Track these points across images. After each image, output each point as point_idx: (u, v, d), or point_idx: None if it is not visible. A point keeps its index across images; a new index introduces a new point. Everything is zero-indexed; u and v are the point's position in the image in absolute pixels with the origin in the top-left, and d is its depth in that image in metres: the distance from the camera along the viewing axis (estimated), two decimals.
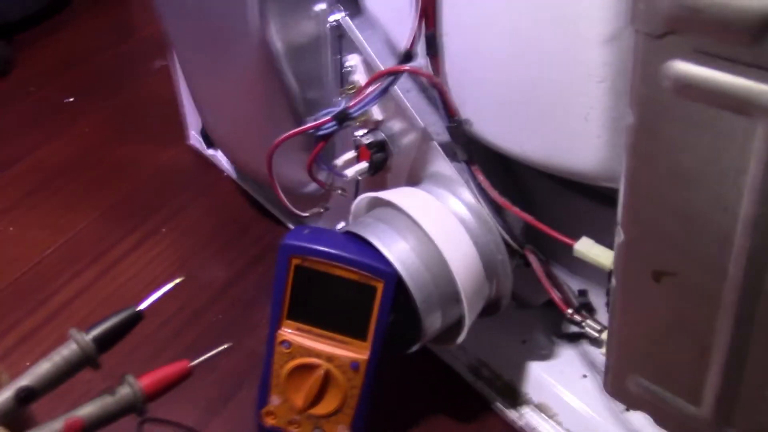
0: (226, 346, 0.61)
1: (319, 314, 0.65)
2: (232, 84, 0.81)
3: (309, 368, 0.65)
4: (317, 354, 0.65)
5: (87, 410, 0.55)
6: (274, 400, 0.67)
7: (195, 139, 1.10)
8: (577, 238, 0.59)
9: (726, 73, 0.36)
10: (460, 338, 0.66)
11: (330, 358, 0.65)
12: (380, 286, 0.62)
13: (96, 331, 0.56)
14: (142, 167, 1.11)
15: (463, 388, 0.78)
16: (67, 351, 0.55)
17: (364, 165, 0.70)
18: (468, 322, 0.65)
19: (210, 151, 1.07)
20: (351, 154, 0.71)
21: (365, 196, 0.68)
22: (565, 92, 0.52)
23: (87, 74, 1.33)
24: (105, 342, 0.56)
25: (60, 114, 1.23)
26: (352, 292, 0.63)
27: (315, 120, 0.64)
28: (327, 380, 0.65)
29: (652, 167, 0.42)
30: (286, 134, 0.64)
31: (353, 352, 0.64)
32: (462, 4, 0.56)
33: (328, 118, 0.63)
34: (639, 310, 0.48)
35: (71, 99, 1.26)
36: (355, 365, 0.65)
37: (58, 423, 0.54)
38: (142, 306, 0.58)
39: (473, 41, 0.57)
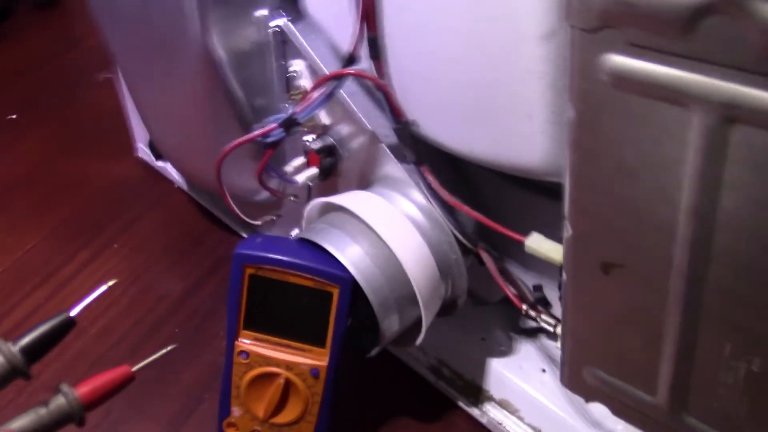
0: (170, 348, 0.58)
1: (276, 322, 0.64)
2: (176, 94, 0.80)
3: (269, 377, 0.64)
4: (276, 363, 0.64)
5: (18, 424, 0.53)
6: (236, 412, 0.67)
7: (143, 151, 1.09)
8: (527, 232, 0.59)
9: (660, 65, 0.36)
10: (419, 339, 0.66)
11: (289, 366, 0.64)
12: (336, 292, 0.62)
13: (24, 341, 0.53)
14: (91, 182, 1.09)
15: (425, 389, 0.78)
16: None
17: (314, 170, 0.69)
18: (426, 323, 0.64)
19: (159, 163, 1.06)
20: (301, 159, 0.70)
21: (317, 202, 0.68)
22: (508, 90, 0.52)
23: (30, 88, 1.30)
24: (35, 351, 0.54)
25: (3, 131, 1.20)
26: (308, 299, 0.63)
27: (262, 127, 0.63)
28: (287, 389, 0.65)
29: (595, 161, 0.42)
30: (233, 143, 0.63)
31: (312, 359, 0.64)
32: (401, 5, 0.56)
33: (275, 125, 0.62)
34: (590, 302, 0.48)
35: (14, 116, 1.23)
36: (315, 372, 0.64)
37: None
38: (74, 312, 0.55)
39: (414, 42, 0.57)
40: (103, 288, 0.57)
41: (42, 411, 0.51)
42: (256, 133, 0.62)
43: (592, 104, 0.40)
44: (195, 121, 0.81)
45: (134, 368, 0.55)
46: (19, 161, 1.14)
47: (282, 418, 0.65)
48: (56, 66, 1.36)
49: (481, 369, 0.75)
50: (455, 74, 0.55)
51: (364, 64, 0.61)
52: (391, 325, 0.64)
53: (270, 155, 0.64)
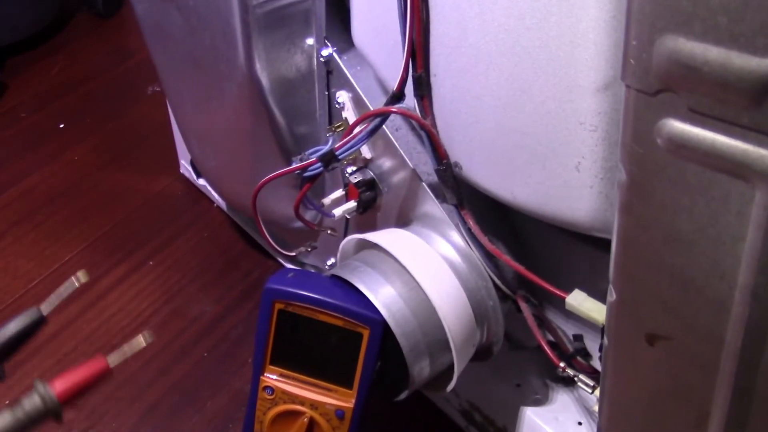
0: (146, 342, 0.53)
1: (304, 360, 0.63)
2: (217, 118, 0.79)
3: (292, 415, 0.63)
4: (301, 401, 0.62)
5: None
6: None
7: (185, 168, 1.09)
8: (572, 282, 0.57)
9: (723, 136, 0.34)
10: (450, 386, 0.64)
11: (314, 405, 0.62)
12: (366, 333, 0.60)
13: None
14: (132, 197, 1.09)
15: None
16: None
17: (352, 204, 0.68)
18: (458, 370, 0.62)
19: (201, 181, 1.06)
20: (339, 192, 0.69)
21: (352, 238, 0.66)
22: (556, 139, 0.50)
23: (80, 99, 1.32)
24: (4, 349, 0.52)
25: (50, 141, 1.21)
26: (337, 339, 0.61)
27: (301, 160, 0.62)
28: (311, 428, 0.63)
29: (645, 227, 0.39)
30: (271, 175, 0.62)
31: (338, 400, 0.62)
32: (452, 45, 0.54)
33: (313, 159, 0.61)
34: (632, 372, 0.45)
35: (62, 125, 1.25)
36: (340, 413, 0.62)
37: None
38: (44, 307, 0.54)
39: (462, 83, 0.55)
40: (75, 285, 0.55)
41: (18, 409, 0.50)
42: (295, 166, 0.61)
43: (646, 168, 0.38)
44: (235, 145, 0.80)
45: (109, 360, 0.52)
46: (62, 172, 1.15)
47: None
48: (107, 78, 1.38)
49: (514, 417, 0.72)
50: (503, 119, 0.53)
51: (410, 101, 0.60)
52: (421, 370, 0.62)
53: (307, 189, 0.63)
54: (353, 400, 0.62)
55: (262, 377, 0.63)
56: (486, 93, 0.53)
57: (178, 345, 0.87)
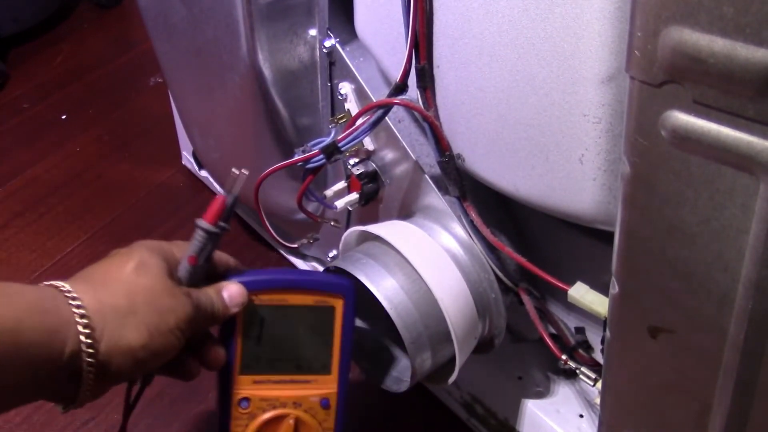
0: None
1: (276, 358, 0.58)
2: (220, 109, 0.79)
3: (275, 422, 0.58)
4: (283, 402, 0.58)
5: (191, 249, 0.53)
6: None
7: (187, 160, 1.08)
8: (575, 275, 0.57)
9: (728, 127, 0.34)
10: (452, 378, 0.64)
11: (297, 402, 0.58)
12: (339, 304, 0.57)
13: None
14: (134, 188, 1.09)
15: (456, 425, 0.76)
16: None
17: (354, 196, 0.68)
18: (459, 362, 0.62)
19: (203, 173, 1.05)
20: (342, 184, 0.69)
21: (354, 230, 0.66)
22: (559, 131, 0.50)
23: (82, 90, 1.31)
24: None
25: (53, 132, 1.21)
26: (310, 320, 0.58)
27: (304, 152, 0.62)
28: (297, 430, 0.58)
29: (649, 220, 0.39)
30: (273, 167, 0.62)
31: (321, 389, 0.59)
32: (455, 36, 0.54)
33: (316, 151, 0.60)
34: (634, 365, 0.45)
35: (64, 116, 1.24)
36: (325, 403, 0.59)
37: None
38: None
39: (465, 75, 0.55)
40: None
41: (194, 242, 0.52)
42: (297, 158, 0.61)
43: (649, 161, 0.37)
44: (237, 137, 0.80)
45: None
46: (64, 163, 1.15)
47: None
48: (110, 69, 1.37)
49: (515, 409, 0.72)
50: (505, 110, 0.53)
51: (412, 92, 0.60)
52: (423, 362, 0.62)
53: (310, 181, 0.62)
54: (335, 385, 0.59)
55: (233, 392, 0.57)
56: (489, 84, 0.53)
57: None
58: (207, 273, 0.54)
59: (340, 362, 0.59)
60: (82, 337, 0.44)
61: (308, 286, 0.57)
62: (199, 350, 0.54)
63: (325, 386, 0.59)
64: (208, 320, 0.53)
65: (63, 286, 0.46)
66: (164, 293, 0.49)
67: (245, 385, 0.57)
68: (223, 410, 0.58)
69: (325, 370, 0.59)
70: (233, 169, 0.54)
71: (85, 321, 0.45)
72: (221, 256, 0.56)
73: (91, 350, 0.45)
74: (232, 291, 0.54)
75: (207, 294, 0.53)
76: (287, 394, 0.58)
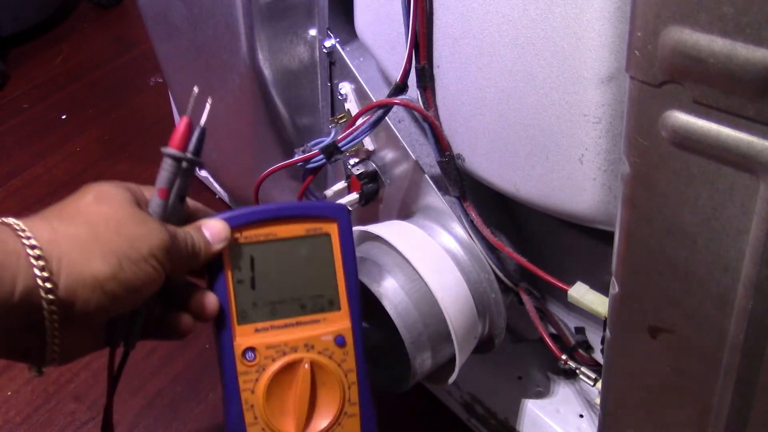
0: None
1: (275, 301, 0.51)
2: (221, 109, 0.79)
3: (289, 370, 0.50)
4: (292, 347, 0.50)
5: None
6: None
7: None
8: (575, 275, 0.57)
9: (728, 127, 0.34)
10: (452, 378, 0.64)
11: (308, 344, 0.51)
12: (334, 230, 0.51)
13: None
14: None
15: (456, 425, 0.76)
16: None
17: (354, 196, 0.68)
18: (459, 362, 0.62)
19: (203, 173, 1.05)
20: (342, 184, 0.69)
21: (355, 230, 0.66)
22: (559, 132, 0.50)
23: (82, 90, 1.31)
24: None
25: (53, 131, 1.21)
26: (305, 253, 0.51)
27: (304, 152, 0.62)
28: (314, 379, 0.51)
29: (649, 220, 0.39)
30: (273, 167, 0.62)
31: (333, 327, 0.51)
32: (455, 36, 0.54)
33: (316, 151, 0.60)
34: (634, 365, 0.45)
35: (64, 116, 1.24)
36: (340, 340, 0.51)
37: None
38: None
39: (465, 75, 0.55)
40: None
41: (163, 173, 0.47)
42: (298, 158, 0.61)
43: (650, 160, 0.37)
44: (237, 137, 0.80)
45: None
46: (65, 163, 1.15)
47: (319, 422, 0.50)
48: (110, 68, 1.37)
49: (515, 409, 0.72)
50: (505, 110, 0.53)
51: (412, 92, 0.60)
52: (423, 362, 0.62)
53: (310, 181, 0.62)
54: (348, 320, 0.52)
55: (235, 343, 0.49)
56: (489, 84, 0.53)
57: None
58: (183, 219, 0.48)
59: (348, 295, 0.52)
60: (36, 271, 0.38)
61: (296, 213, 0.51)
62: (188, 302, 0.48)
63: (336, 323, 0.52)
64: (189, 258, 0.46)
65: (10, 220, 0.40)
66: (132, 220, 0.43)
67: (246, 335, 0.50)
68: (227, 369, 0.50)
69: (334, 306, 0.52)
70: (195, 89, 0.49)
71: (37, 252, 0.39)
72: (198, 205, 0.51)
73: (48, 285, 0.39)
74: (212, 226, 0.48)
75: (184, 230, 0.46)
76: (296, 336, 0.51)
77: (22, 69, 1.37)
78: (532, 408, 0.71)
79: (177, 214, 0.47)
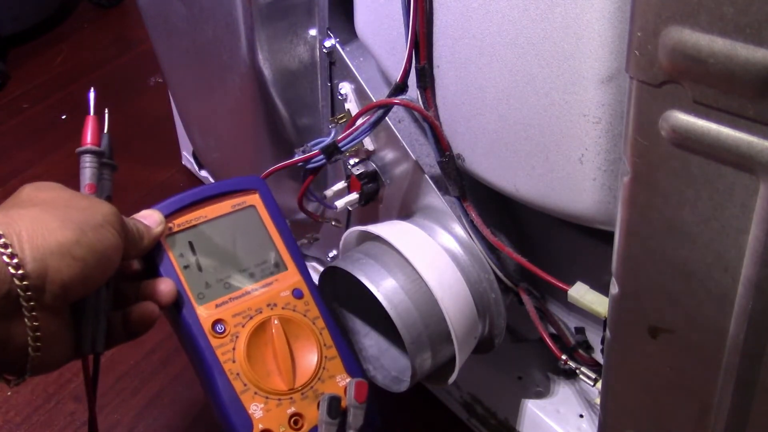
0: None
1: (224, 278, 0.54)
2: (220, 109, 0.79)
3: (261, 332, 0.53)
4: (257, 309, 0.53)
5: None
6: (256, 409, 0.51)
7: (187, 160, 1.08)
8: (575, 275, 0.57)
9: (728, 127, 0.34)
10: (452, 378, 0.64)
11: (270, 303, 0.54)
12: (257, 201, 0.56)
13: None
14: (134, 188, 1.09)
15: (456, 425, 0.76)
16: None
17: (354, 196, 0.68)
18: (459, 362, 0.62)
19: (203, 173, 1.05)
20: (342, 184, 0.69)
21: (354, 230, 0.66)
22: (559, 132, 0.50)
23: (82, 90, 1.31)
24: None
25: (53, 132, 1.21)
26: (237, 227, 0.55)
27: (304, 152, 0.62)
28: (286, 331, 0.53)
29: (649, 220, 0.39)
30: (273, 167, 0.62)
31: (286, 284, 0.55)
32: (455, 36, 0.54)
33: (316, 151, 0.60)
34: (634, 365, 0.45)
35: (64, 116, 1.24)
36: (298, 293, 0.55)
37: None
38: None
39: (465, 75, 0.55)
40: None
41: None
42: (298, 158, 0.61)
43: (650, 161, 0.37)
44: (237, 137, 0.80)
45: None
46: (64, 163, 1.15)
47: (304, 372, 0.53)
48: (110, 68, 1.37)
49: (515, 409, 0.72)
50: (505, 110, 0.53)
51: (412, 92, 0.60)
52: (423, 362, 0.62)
53: (310, 181, 0.62)
54: (299, 274, 0.56)
55: (201, 321, 0.52)
56: (489, 84, 0.53)
57: None
58: None
59: (290, 254, 0.56)
60: None
61: (217, 192, 0.55)
62: (146, 292, 0.50)
63: (288, 280, 0.55)
64: (135, 240, 0.48)
65: None
66: (77, 197, 0.45)
67: (209, 312, 0.52)
68: (202, 347, 0.51)
69: (280, 267, 0.56)
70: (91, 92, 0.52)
71: None
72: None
73: (15, 260, 0.38)
74: (146, 215, 0.51)
75: (128, 220, 0.49)
76: (257, 300, 0.54)
77: (22, 69, 1.37)
78: (532, 408, 0.71)
79: None
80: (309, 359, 0.53)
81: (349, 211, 0.74)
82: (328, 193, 0.68)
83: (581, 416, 0.70)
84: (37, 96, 1.30)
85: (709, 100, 0.34)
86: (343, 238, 0.68)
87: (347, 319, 0.68)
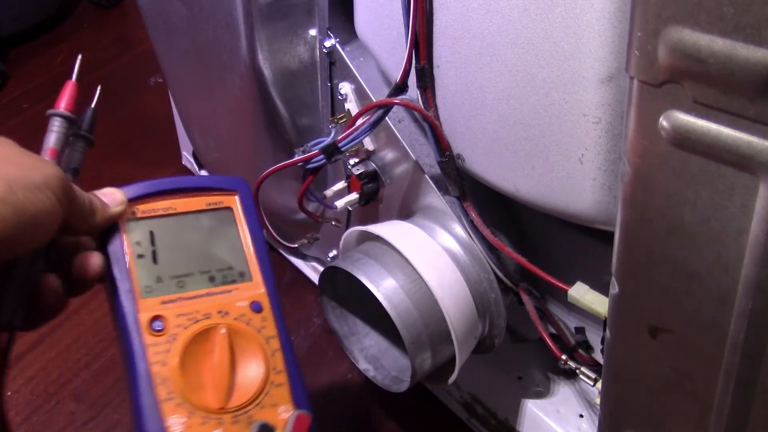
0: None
1: (180, 275, 0.48)
2: (220, 109, 0.79)
3: (204, 339, 0.46)
4: (205, 314, 0.47)
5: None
6: (175, 422, 0.43)
7: (187, 160, 1.08)
8: (575, 275, 0.57)
9: (728, 127, 0.34)
10: (452, 378, 0.64)
11: (222, 311, 0.47)
12: (235, 203, 0.50)
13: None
14: None
15: (456, 425, 0.76)
16: None
17: (354, 196, 0.68)
18: (459, 362, 0.62)
19: (203, 173, 1.05)
20: (342, 184, 0.69)
21: (354, 230, 0.66)
22: (559, 132, 0.50)
23: (82, 90, 1.31)
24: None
25: None
26: (207, 226, 0.50)
27: (304, 152, 0.62)
28: (233, 348, 0.46)
29: (648, 220, 0.39)
30: (273, 168, 0.62)
31: (246, 294, 0.49)
32: (455, 36, 0.54)
33: (316, 151, 0.60)
34: (634, 365, 0.45)
35: None
36: (256, 306, 0.48)
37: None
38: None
39: (465, 75, 0.55)
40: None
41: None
42: (298, 158, 0.61)
43: (649, 161, 0.37)
44: (237, 137, 0.80)
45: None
46: None
47: (242, 392, 0.45)
48: (110, 69, 1.37)
49: (515, 409, 0.72)
50: (505, 110, 0.53)
51: (412, 92, 0.60)
52: (423, 362, 0.62)
53: (310, 181, 0.62)
54: (262, 287, 0.49)
55: (139, 315, 0.45)
56: (489, 84, 0.53)
57: None
58: None
59: (260, 265, 0.50)
60: None
61: (195, 186, 0.50)
62: (77, 263, 0.45)
63: (250, 291, 0.49)
64: (85, 214, 0.44)
65: None
66: (23, 154, 0.41)
67: (152, 306, 0.46)
68: (131, 342, 0.45)
69: (245, 277, 0.50)
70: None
71: None
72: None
73: None
74: (108, 192, 0.47)
75: (81, 191, 0.44)
76: (209, 305, 0.47)
77: (22, 69, 1.37)
78: (532, 408, 0.71)
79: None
80: (251, 380, 0.46)
81: (349, 211, 0.74)
82: (328, 193, 0.68)
83: (581, 416, 0.70)
84: (37, 96, 1.30)
85: (709, 100, 0.34)
86: (343, 238, 0.68)
87: (347, 319, 0.69)
